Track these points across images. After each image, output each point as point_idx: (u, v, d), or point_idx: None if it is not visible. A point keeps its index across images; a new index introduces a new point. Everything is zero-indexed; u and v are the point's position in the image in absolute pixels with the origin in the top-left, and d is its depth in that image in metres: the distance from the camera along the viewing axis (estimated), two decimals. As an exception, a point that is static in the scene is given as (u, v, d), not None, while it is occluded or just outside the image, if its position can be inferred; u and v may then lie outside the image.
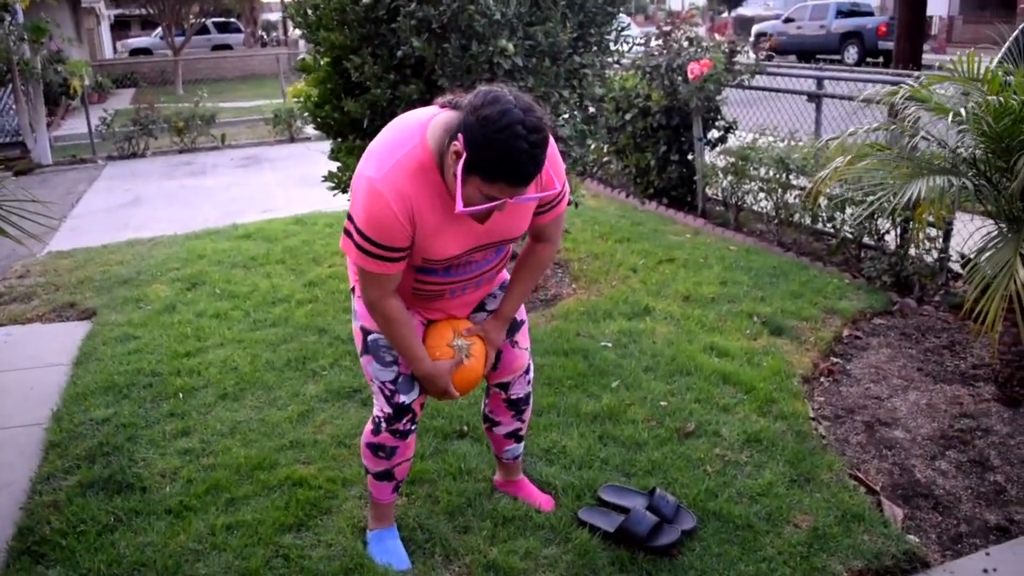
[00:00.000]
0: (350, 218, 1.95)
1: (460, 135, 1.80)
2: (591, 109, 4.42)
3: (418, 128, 1.94)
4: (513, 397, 2.52)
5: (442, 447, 3.08)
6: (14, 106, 10.46)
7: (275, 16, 36.80)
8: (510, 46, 3.66)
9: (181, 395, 3.56)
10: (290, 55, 18.23)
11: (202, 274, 5.19)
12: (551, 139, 1.93)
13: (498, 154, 1.77)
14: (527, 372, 2.49)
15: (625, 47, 4.33)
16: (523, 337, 2.44)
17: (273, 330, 4.25)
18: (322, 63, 4.21)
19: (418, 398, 2.28)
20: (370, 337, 2.22)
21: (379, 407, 2.29)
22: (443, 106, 1.97)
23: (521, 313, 2.43)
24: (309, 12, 4.09)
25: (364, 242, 1.93)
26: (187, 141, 11.03)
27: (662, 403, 3.38)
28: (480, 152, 1.78)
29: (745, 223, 6.05)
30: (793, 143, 5.65)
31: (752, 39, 24.35)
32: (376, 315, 2.08)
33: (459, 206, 1.81)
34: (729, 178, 5.91)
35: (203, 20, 23.67)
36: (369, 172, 1.91)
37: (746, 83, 6.17)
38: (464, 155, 1.79)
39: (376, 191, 1.89)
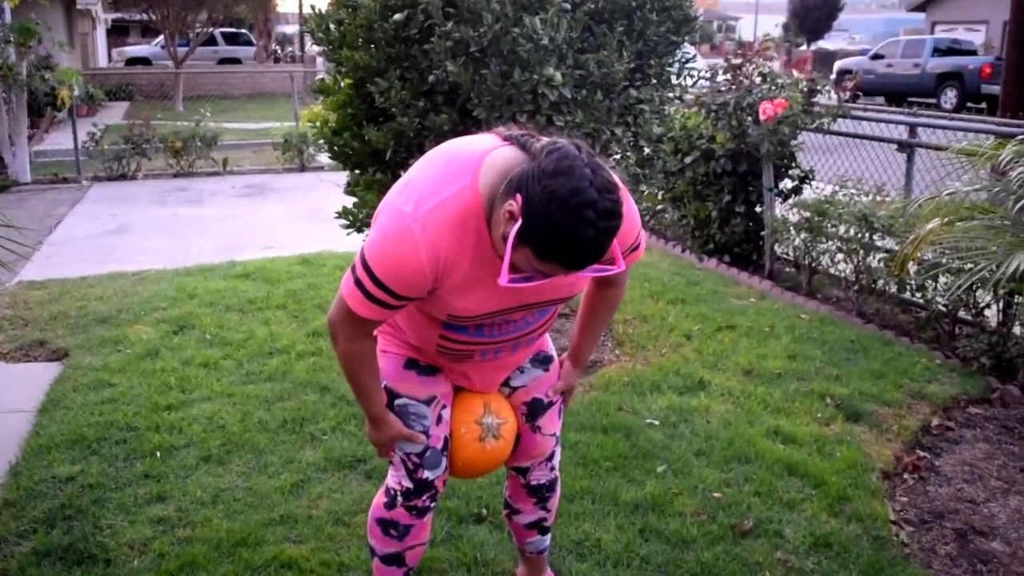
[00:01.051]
0: (363, 257, 1.90)
1: (519, 196, 1.72)
2: (647, 150, 4.47)
3: (471, 165, 1.85)
4: (534, 483, 2.52)
5: (456, 532, 3.06)
6: (-7, 116, 10.72)
7: (291, 29, 37.73)
8: (558, 75, 3.72)
9: (159, 454, 3.59)
10: (306, 73, 18.67)
11: (191, 316, 5.25)
12: (626, 195, 1.88)
13: (559, 237, 1.69)
14: (550, 459, 2.49)
15: (689, 81, 4.39)
16: (550, 421, 2.44)
17: (268, 385, 4.28)
18: (343, 85, 4.31)
19: (442, 475, 2.28)
20: (397, 402, 2.23)
21: (396, 480, 2.29)
22: (506, 140, 1.88)
23: (552, 376, 2.44)
24: (332, 27, 4.21)
25: (374, 287, 1.89)
26: (184, 164, 11.27)
27: (715, 494, 3.34)
28: (539, 227, 1.70)
29: (820, 288, 6.03)
30: (879, 198, 5.65)
31: (834, 77, 24.51)
32: (342, 347, 2.05)
33: (503, 278, 1.75)
34: (803, 235, 5.92)
35: (210, 30, 24.23)
36: (405, 207, 1.85)
37: (826, 127, 6.21)
38: (520, 222, 1.72)
39: (408, 232, 1.83)
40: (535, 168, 1.72)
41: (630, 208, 2.04)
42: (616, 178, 1.79)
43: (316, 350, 4.73)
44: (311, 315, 5.32)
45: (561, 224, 1.68)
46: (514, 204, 1.72)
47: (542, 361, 2.40)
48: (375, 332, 2.12)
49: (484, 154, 1.86)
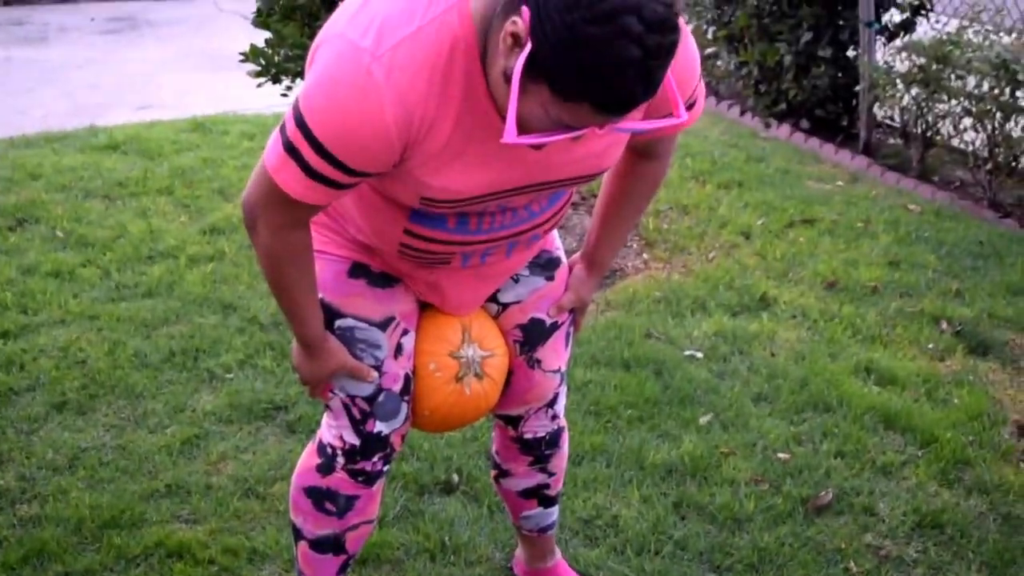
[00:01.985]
0: (297, 111, 1.83)
1: (526, 9, 1.61)
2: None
3: None
4: (529, 437, 2.53)
5: (416, 507, 3.09)
6: None
7: None
8: None
9: (-8, 400, 3.60)
10: None
11: (35, 205, 5.22)
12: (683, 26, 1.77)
13: (589, 61, 1.58)
14: (553, 403, 2.50)
15: None
16: (553, 352, 2.44)
17: (148, 303, 4.28)
18: None
19: (401, 427, 2.29)
20: (339, 324, 2.21)
21: (335, 433, 2.29)
22: None
23: (559, 288, 2.43)
24: None
25: (315, 156, 1.82)
26: (19, -15, 11.08)
27: (781, 455, 3.38)
28: (558, 51, 1.59)
29: (936, 168, 6.01)
30: (1026, 37, 5.63)
31: None
32: (263, 241, 2.02)
33: (509, 133, 1.67)
34: (914, 91, 5.89)
35: None
36: (362, 40, 1.77)
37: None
38: (529, 46, 1.62)
39: (367, 77, 1.75)
40: None
41: (687, 40, 1.98)
42: None
43: (216, 253, 4.71)
44: (208, 203, 5.29)
45: (591, 41, 1.56)
46: (520, 22, 1.62)
47: (544, 266, 2.39)
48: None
49: None
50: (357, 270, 2.22)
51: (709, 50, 7.37)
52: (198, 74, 8.10)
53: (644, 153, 2.24)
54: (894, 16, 6.50)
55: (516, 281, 2.36)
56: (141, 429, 3.47)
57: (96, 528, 2.99)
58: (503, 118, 1.72)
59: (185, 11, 10.70)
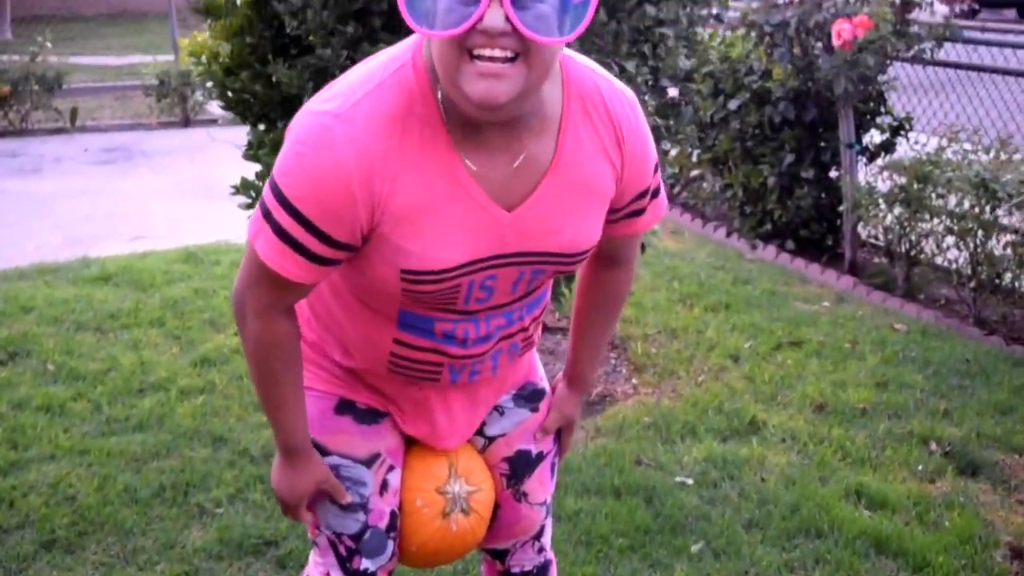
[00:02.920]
0: (272, 179, 1.90)
1: None
2: (671, 92, 4.48)
3: (410, 44, 1.90)
4: (515, 571, 2.53)
5: (406, 644, 3.08)
6: None
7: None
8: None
9: (-18, 539, 3.59)
10: (189, -17, 18.52)
11: (27, 338, 5.25)
12: (636, 105, 2.01)
13: None
14: (539, 536, 2.51)
15: (731, -6, 4.41)
16: (539, 484, 2.44)
17: (138, 436, 4.28)
18: (239, 2, 4.31)
19: (388, 563, 2.29)
20: (325, 461, 2.24)
21: (322, 570, 2.30)
22: None
23: (545, 438, 2.45)
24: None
25: (288, 218, 1.87)
26: (14, 118, 11.23)
27: (774, 583, 3.37)
28: None
29: (921, 286, 6.07)
30: (1004, 156, 5.69)
31: (941, -19, 24.60)
32: (251, 328, 2.05)
33: (417, 24, 1.71)
34: (897, 211, 5.96)
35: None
36: (324, 105, 1.86)
37: (928, 55, 6.24)
38: None
39: (328, 131, 1.83)
40: None
41: (643, 133, 2.06)
42: None
43: (206, 385, 4.73)
44: (199, 335, 5.32)
45: None
46: None
47: (528, 398, 2.41)
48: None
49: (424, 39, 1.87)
50: (343, 407, 2.24)
51: (694, 173, 7.49)
52: (191, 203, 8.18)
53: (609, 260, 2.29)
54: (874, 137, 6.60)
55: (501, 414, 2.38)
56: (130, 567, 3.45)
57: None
58: (466, 166, 1.85)
59: (179, 141, 10.85)
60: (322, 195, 1.84)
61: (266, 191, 1.90)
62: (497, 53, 1.69)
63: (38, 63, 11.37)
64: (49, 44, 12.23)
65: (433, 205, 1.89)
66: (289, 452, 2.18)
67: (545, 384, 2.46)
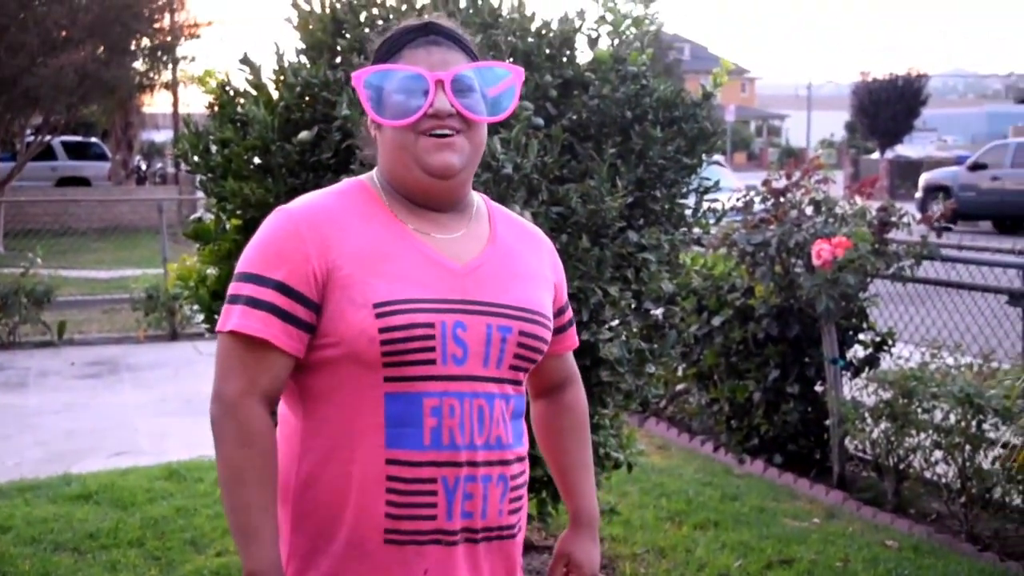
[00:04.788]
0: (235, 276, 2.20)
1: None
2: (655, 313, 4.54)
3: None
4: None
5: None
6: None
7: (163, 136, 38.34)
8: (527, 215, 3.82)
9: None
10: (182, 201, 18.90)
11: (3, 560, 5.15)
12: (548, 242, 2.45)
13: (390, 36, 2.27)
14: None
15: (711, 217, 4.51)
16: None
17: (113, 663, 4.18)
18: (228, 228, 4.40)
19: None
20: None
21: None
22: None
23: None
24: (213, 149, 4.32)
25: (242, 285, 2.14)
26: (2, 332, 11.28)
27: None
28: (376, 52, 2.28)
29: (911, 501, 6.03)
30: (987, 368, 5.73)
31: (920, 195, 25.18)
32: (226, 425, 2.13)
33: (382, 119, 2.18)
34: (883, 425, 5.96)
35: (47, 138, 24.73)
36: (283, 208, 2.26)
37: (908, 272, 6.35)
38: (360, 86, 2.20)
39: (284, 212, 2.20)
40: None
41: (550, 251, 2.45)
42: None
43: (185, 609, 4.65)
44: (179, 555, 5.24)
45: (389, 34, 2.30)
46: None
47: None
48: None
49: None
50: None
51: (680, 387, 7.52)
52: (175, 419, 8.15)
53: (561, 385, 2.51)
54: (858, 352, 6.66)
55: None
56: None
57: None
58: (412, 229, 2.20)
59: (165, 355, 10.89)
60: (271, 244, 2.14)
61: (231, 286, 2.17)
62: (446, 131, 2.15)
63: (28, 277, 11.49)
64: (39, 259, 12.41)
65: (387, 252, 2.16)
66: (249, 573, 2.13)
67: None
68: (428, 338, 2.10)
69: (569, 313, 2.47)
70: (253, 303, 2.09)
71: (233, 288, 2.13)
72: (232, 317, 2.11)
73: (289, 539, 2.22)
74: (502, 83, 2.25)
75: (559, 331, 2.40)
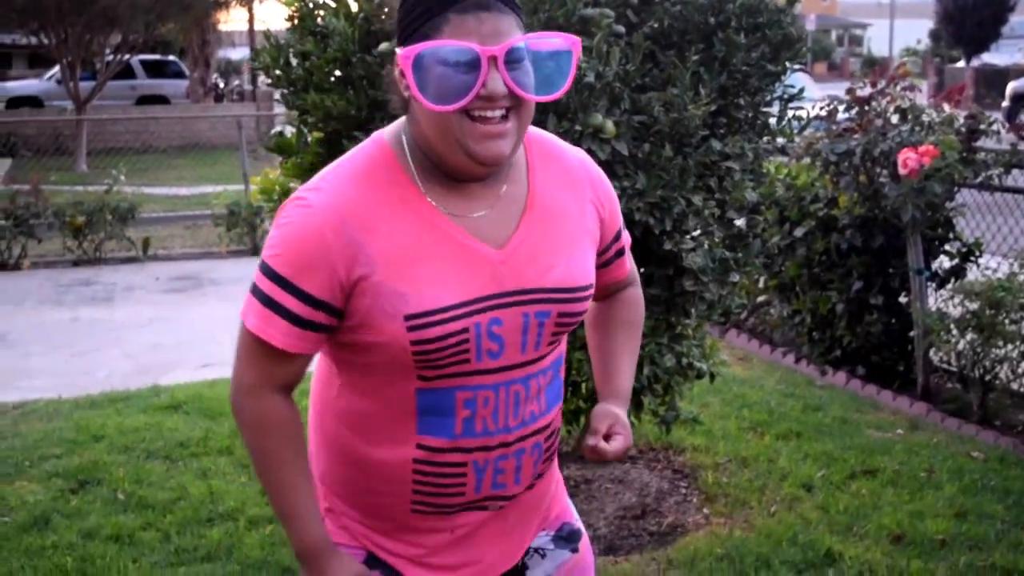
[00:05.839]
0: (261, 260, 2.06)
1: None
2: (738, 224, 4.51)
3: (375, 135, 2.15)
4: None
5: None
6: None
7: (240, 54, 38.46)
8: (609, 124, 3.79)
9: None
10: (260, 118, 19.00)
11: (97, 467, 5.31)
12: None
13: None
14: None
15: (795, 126, 4.45)
16: None
17: (207, 567, 4.30)
18: (310, 141, 4.42)
19: None
20: None
21: None
22: None
23: (585, 558, 2.42)
24: (294, 62, 4.33)
25: (272, 285, 2.01)
26: (88, 248, 11.52)
27: None
28: (406, 10, 2.00)
29: (998, 412, 5.99)
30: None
31: (1007, 104, 24.65)
32: (246, 414, 2.12)
33: (427, 102, 1.94)
34: (969, 336, 5.92)
35: (126, 57, 24.88)
36: (298, 192, 2.07)
37: (996, 182, 6.25)
38: (401, 49, 1.97)
39: (303, 202, 2.02)
40: None
41: (593, 163, 2.29)
42: None
43: (274, 515, 4.74)
44: (267, 463, 5.34)
45: None
46: (398, 58, 1.97)
47: (567, 538, 2.40)
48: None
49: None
50: (372, 562, 2.21)
51: (761, 298, 7.49)
52: (259, 331, 8.29)
53: (611, 293, 2.41)
54: (944, 262, 6.59)
55: (543, 556, 2.36)
56: None
57: None
58: (444, 212, 2.02)
59: (246, 269, 10.96)
60: (297, 249, 1.99)
61: (256, 272, 2.05)
62: (497, 113, 1.94)
63: (112, 194, 11.69)
64: (123, 176, 12.60)
65: (418, 248, 2.01)
66: (310, 557, 2.14)
67: (580, 525, 2.45)
68: (462, 343, 2.02)
69: (624, 238, 2.35)
70: (274, 307, 2.01)
71: (257, 278, 2.03)
72: (252, 313, 2.03)
73: (324, 468, 2.25)
74: (558, 56, 2.02)
75: (614, 258, 2.32)
